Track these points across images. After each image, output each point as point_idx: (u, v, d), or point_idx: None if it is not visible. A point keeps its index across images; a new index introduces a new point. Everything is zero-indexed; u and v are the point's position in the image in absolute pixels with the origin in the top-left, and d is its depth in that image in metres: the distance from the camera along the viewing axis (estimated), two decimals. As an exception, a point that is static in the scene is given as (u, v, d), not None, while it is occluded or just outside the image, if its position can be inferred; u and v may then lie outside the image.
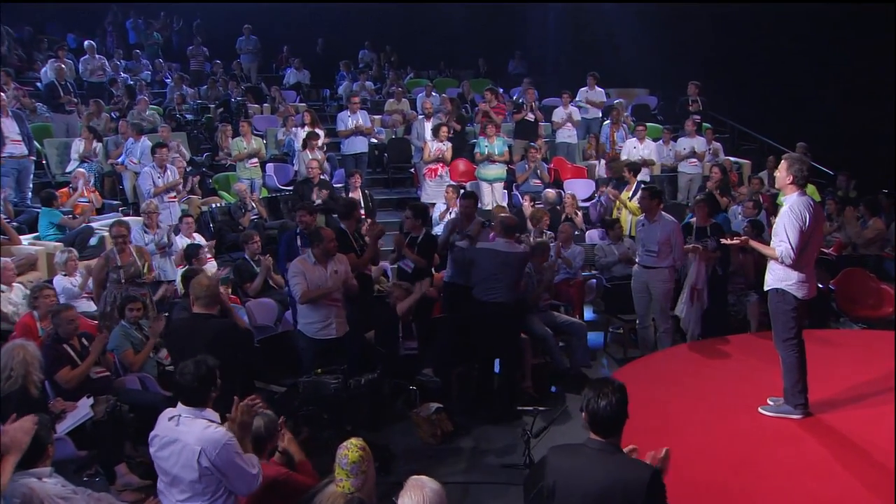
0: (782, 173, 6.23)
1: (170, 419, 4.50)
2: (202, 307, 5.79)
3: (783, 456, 5.85)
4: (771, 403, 6.56)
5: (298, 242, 8.71)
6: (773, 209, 12.68)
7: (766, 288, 6.42)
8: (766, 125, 16.71)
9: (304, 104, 18.17)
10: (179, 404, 4.51)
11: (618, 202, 11.88)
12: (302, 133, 13.44)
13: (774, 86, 17.09)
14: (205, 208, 12.20)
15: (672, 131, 15.23)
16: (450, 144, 13.09)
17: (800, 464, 5.74)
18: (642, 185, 10.38)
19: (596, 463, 3.78)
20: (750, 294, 9.49)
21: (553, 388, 8.64)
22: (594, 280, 10.48)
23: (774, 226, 6.28)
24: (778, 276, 6.27)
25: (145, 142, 12.86)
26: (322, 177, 11.95)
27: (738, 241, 6.56)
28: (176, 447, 4.43)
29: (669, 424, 6.37)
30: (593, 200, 13.72)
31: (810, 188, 12.09)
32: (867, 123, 15.40)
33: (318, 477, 5.14)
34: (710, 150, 14.39)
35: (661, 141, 14.60)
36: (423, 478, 3.90)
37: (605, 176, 14.06)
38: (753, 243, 6.48)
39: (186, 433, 4.39)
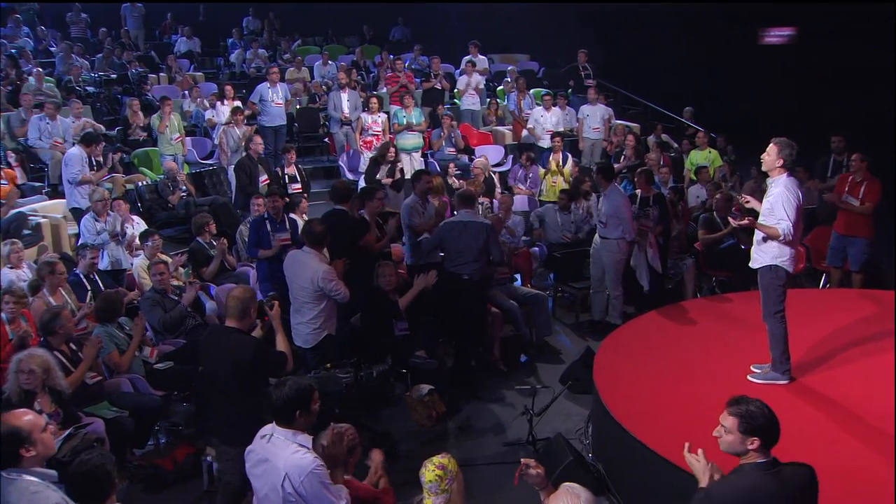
0: (772, 157, 6.16)
1: (262, 437, 4.14)
2: (232, 320, 5.19)
3: (789, 425, 5.88)
4: (757, 371, 6.59)
5: (268, 228, 8.09)
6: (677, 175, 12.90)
7: (756, 266, 6.38)
8: (645, 88, 16.93)
9: (200, 73, 17.13)
10: (273, 423, 4.14)
11: (551, 170, 11.81)
12: (223, 108, 12.57)
13: (652, 49, 17.32)
14: (130, 187, 11.24)
15: (565, 97, 15.23)
16: (385, 116, 12.62)
17: (807, 431, 5.78)
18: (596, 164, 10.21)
19: (775, 482, 3.57)
20: (686, 258, 9.62)
21: (523, 359, 8.52)
22: (536, 248, 10.34)
23: (768, 205, 6.22)
24: (773, 254, 6.24)
25: (65, 121, 11.76)
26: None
27: (745, 222, 6.49)
28: (266, 467, 4.09)
29: (666, 401, 6.28)
30: (505, 166, 13.62)
31: (714, 154, 12.38)
32: (742, 85, 15.95)
33: None
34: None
35: (556, 107, 14.52)
36: (577, 486, 3.63)
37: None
38: (757, 224, 6.41)
39: (276, 455, 4.04)
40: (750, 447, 3.60)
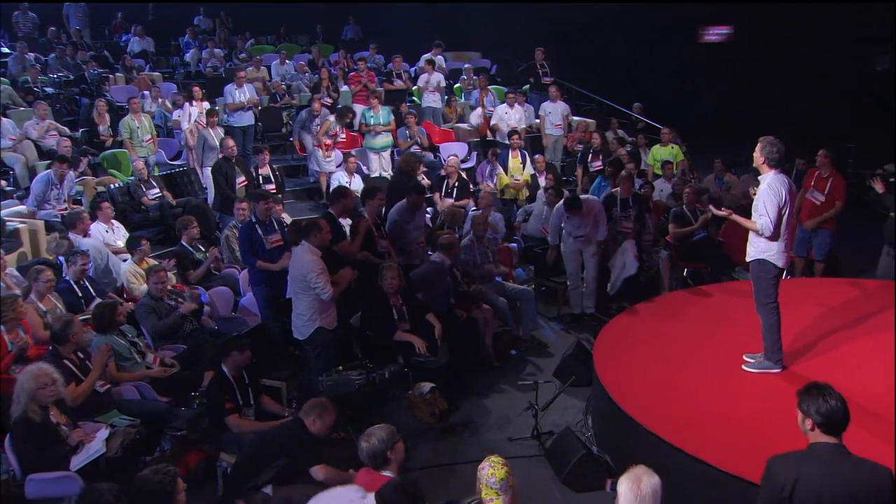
0: (757, 154, 6.33)
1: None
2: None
3: (786, 413, 5.97)
4: (751, 361, 6.71)
5: (259, 232, 7.93)
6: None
7: (748, 259, 6.52)
8: (597, 84, 17.07)
9: (157, 73, 16.71)
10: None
11: (511, 169, 11.86)
12: (191, 109, 12.29)
13: (600, 46, 17.52)
14: (101, 189, 10.90)
15: (523, 94, 15.29)
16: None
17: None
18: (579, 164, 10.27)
19: (837, 467, 3.62)
20: (660, 251, 9.75)
21: (513, 352, 8.55)
22: (514, 244, 10.38)
23: (754, 201, 6.39)
24: (760, 248, 6.37)
25: (6, 120, 11.39)
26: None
27: (724, 213, 6.63)
28: None
29: (669, 391, 6.34)
30: (470, 162, 13.64)
31: (676, 149, 12.57)
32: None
33: None
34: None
35: (517, 104, 14.56)
36: (642, 470, 3.60)
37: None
38: (736, 217, 6.55)
39: None
40: (808, 428, 3.77)
